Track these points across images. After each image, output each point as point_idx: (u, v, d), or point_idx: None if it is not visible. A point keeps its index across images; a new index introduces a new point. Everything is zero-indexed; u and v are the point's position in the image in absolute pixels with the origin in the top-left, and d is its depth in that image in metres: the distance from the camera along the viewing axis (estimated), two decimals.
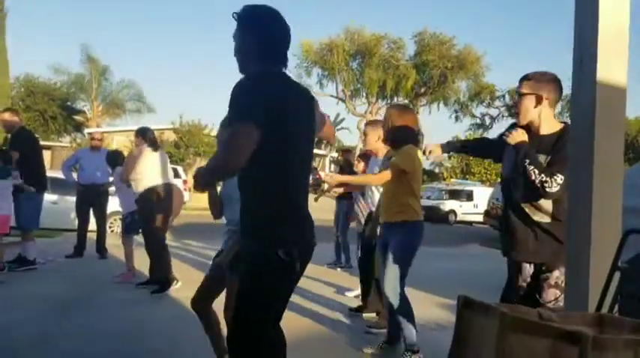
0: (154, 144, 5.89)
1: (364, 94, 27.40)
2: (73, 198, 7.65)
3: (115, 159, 6.37)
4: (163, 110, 70.06)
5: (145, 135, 5.80)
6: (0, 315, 4.35)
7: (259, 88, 1.93)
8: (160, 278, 5.46)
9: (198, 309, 3.06)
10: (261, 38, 2.04)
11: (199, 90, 64.59)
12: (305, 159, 2.13)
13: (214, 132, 26.01)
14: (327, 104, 63.61)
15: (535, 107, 2.49)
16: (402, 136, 3.55)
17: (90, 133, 11.20)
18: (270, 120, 1.86)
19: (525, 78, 2.53)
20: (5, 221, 5.80)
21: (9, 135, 6.42)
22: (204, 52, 68.41)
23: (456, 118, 28.27)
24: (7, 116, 6.27)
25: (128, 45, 60.49)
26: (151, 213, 5.53)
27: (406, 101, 27.46)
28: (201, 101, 61.45)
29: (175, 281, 5.49)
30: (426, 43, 25.96)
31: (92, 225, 7.42)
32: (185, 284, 5.53)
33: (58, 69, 35.56)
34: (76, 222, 7.62)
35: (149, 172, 5.64)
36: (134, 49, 61.44)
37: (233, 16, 2.07)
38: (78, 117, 37.46)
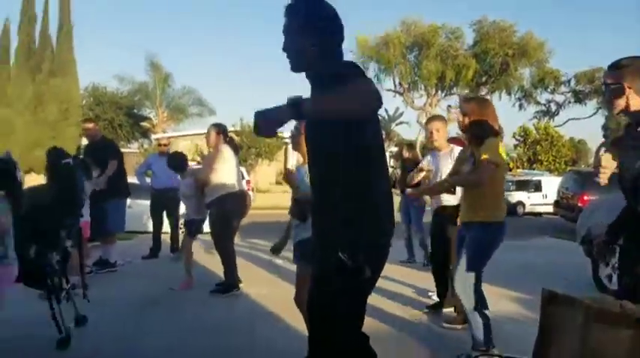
0: (232, 143, 5.82)
1: (422, 87, 27.04)
2: (145, 202, 8.00)
3: (176, 161, 6.02)
4: (223, 113, 71.68)
5: (224, 132, 5.70)
6: (86, 315, 4.63)
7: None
8: (230, 282, 5.52)
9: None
10: (334, 34, 2.01)
11: (257, 92, 65.63)
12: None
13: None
14: (385, 98, 62.97)
15: (621, 97, 2.33)
16: (484, 131, 3.43)
17: (157, 139, 11.61)
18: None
19: (611, 66, 2.37)
20: (86, 227, 6.13)
21: (82, 144, 6.82)
22: (260, 53, 69.38)
23: (520, 106, 27.52)
24: (90, 126, 6.71)
25: (188, 51, 62.32)
26: (225, 217, 5.52)
27: (466, 91, 26.90)
28: (259, 102, 62.41)
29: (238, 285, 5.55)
30: (485, 31, 25.31)
31: (165, 226, 7.74)
32: (253, 282, 5.74)
33: (123, 78, 37.00)
34: (150, 224, 7.97)
35: (227, 176, 5.50)
36: (193, 55, 63.21)
37: (287, 12, 2.02)
38: (144, 124, 38.86)
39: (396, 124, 52.72)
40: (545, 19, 51.33)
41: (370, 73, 26.58)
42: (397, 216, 7.77)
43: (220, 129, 5.65)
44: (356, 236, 1.87)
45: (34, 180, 27.78)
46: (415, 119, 28.64)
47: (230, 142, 5.73)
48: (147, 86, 37.93)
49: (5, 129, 26.89)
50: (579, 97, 26.36)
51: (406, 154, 7.75)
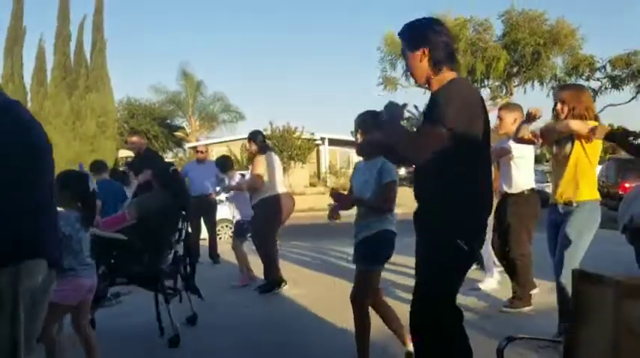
0: (269, 148, 6.10)
1: None
2: None
3: (225, 163, 6.62)
4: (253, 118, 72.42)
5: (260, 140, 5.95)
6: (133, 319, 4.79)
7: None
8: (270, 280, 5.73)
9: (372, 305, 3.39)
10: (445, 46, 2.46)
11: (285, 96, 66.03)
12: None
13: (305, 135, 26.55)
14: (415, 95, 62.69)
15: None
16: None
17: (194, 147, 11.78)
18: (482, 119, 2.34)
19: None
20: None
21: (119, 156, 7.02)
22: (287, 57, 69.75)
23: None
24: (135, 139, 6.87)
25: (217, 56, 63.19)
26: (269, 219, 5.76)
27: (497, 83, 26.52)
28: (287, 106, 62.78)
29: (284, 283, 5.75)
30: (514, 21, 24.91)
31: (202, 233, 7.90)
32: (293, 283, 5.88)
33: (157, 88, 37.73)
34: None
35: (269, 179, 5.76)
36: (222, 59, 64.05)
37: (404, 35, 2.49)
38: (178, 134, 39.54)
39: None
40: (575, 5, 50.21)
41: (399, 71, 26.50)
42: None
43: (254, 136, 5.93)
44: (469, 224, 2.33)
45: None
46: None
47: (265, 145, 5.98)
48: (179, 95, 38.59)
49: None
50: (616, 83, 25.65)
51: None
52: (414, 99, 68.53)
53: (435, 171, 2.32)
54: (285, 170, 28.68)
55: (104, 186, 5.71)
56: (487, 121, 2.42)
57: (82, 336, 3.21)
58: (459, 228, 2.30)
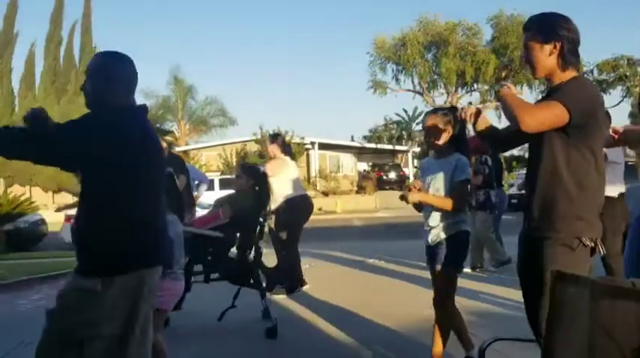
0: (290, 152, 6.13)
1: (442, 85, 26.88)
2: None
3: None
4: (244, 122, 72.29)
5: (281, 142, 6.01)
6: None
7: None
8: (284, 279, 5.85)
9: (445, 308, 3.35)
10: (575, 44, 2.50)
11: (276, 99, 66.05)
12: None
13: (295, 139, 26.54)
14: (404, 99, 62.76)
15: None
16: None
17: (184, 151, 11.69)
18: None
19: None
20: None
21: None
22: (279, 61, 69.77)
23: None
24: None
25: (210, 61, 63.11)
26: (289, 223, 5.78)
27: (486, 87, 26.68)
28: (278, 110, 62.78)
29: (305, 285, 5.96)
30: (503, 25, 25.08)
31: None
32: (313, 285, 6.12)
33: (147, 93, 37.60)
34: None
35: (288, 182, 5.79)
36: (215, 64, 63.98)
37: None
38: (167, 138, 39.36)
39: (417, 124, 52.55)
40: (562, 10, 50.51)
41: (389, 74, 26.58)
42: None
43: (274, 138, 5.98)
44: (588, 221, 2.28)
45: (63, 198, 28.36)
46: None
47: (287, 148, 6.06)
48: (169, 100, 38.47)
49: None
50: (603, 87, 25.89)
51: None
52: (403, 103, 68.81)
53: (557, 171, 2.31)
54: None
55: None
56: (604, 127, 2.46)
57: (155, 340, 3.16)
58: (585, 226, 2.27)
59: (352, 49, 63.79)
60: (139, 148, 2.26)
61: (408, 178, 33.25)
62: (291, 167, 5.94)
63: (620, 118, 41.50)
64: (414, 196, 3.27)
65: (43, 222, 13.85)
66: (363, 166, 36.50)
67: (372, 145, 35.49)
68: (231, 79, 66.67)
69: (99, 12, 39.70)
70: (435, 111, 3.49)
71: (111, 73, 2.34)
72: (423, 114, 3.47)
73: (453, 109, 3.42)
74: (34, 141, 2.16)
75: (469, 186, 3.31)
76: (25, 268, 8.66)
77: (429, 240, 3.35)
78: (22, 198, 13.68)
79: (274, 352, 4.18)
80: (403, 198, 3.26)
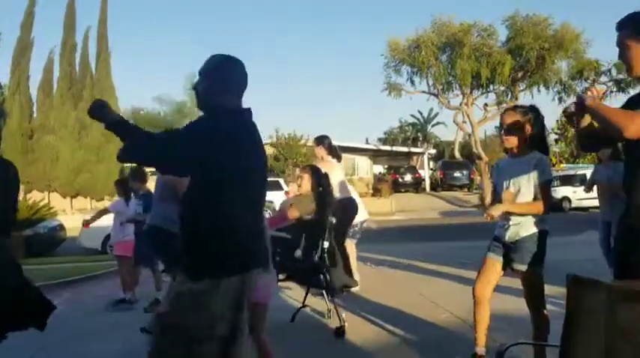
0: (337, 155, 6.12)
1: (457, 87, 26.72)
2: None
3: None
4: (260, 125, 72.35)
5: (327, 145, 6.03)
6: None
7: None
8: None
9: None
10: None
11: (291, 105, 66.22)
12: None
13: (310, 143, 26.56)
14: (419, 101, 62.22)
15: None
16: None
17: None
18: None
19: None
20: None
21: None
22: (294, 65, 69.95)
23: (560, 100, 26.74)
24: None
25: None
26: (337, 225, 5.83)
27: (502, 88, 26.47)
28: (293, 115, 62.89)
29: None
30: (518, 26, 24.83)
31: None
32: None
33: (162, 99, 37.93)
34: None
35: (337, 186, 5.78)
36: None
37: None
38: None
39: (432, 126, 52.39)
40: (579, 10, 50.15)
41: (403, 76, 26.48)
42: None
43: (320, 141, 5.97)
44: None
45: (80, 203, 28.67)
46: (452, 119, 28.28)
47: (334, 151, 6.07)
48: (185, 105, 38.74)
49: (51, 155, 27.89)
50: (621, 86, 25.51)
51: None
52: (418, 105, 68.47)
53: None
54: (289, 177, 28.75)
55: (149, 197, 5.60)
56: None
57: (260, 340, 3.14)
58: None
59: (367, 52, 63.72)
60: (249, 152, 2.29)
61: (424, 180, 33.11)
62: (338, 170, 5.98)
63: None
64: (500, 208, 3.20)
65: (61, 227, 14.02)
66: (379, 169, 36.44)
67: (388, 148, 35.46)
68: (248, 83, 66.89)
69: (113, 18, 40.17)
70: (514, 108, 3.39)
71: (225, 76, 2.36)
72: (502, 112, 3.41)
73: (532, 108, 3.35)
74: (157, 144, 2.18)
75: (551, 188, 3.25)
76: (44, 273, 8.76)
77: (506, 237, 3.28)
78: (41, 203, 13.86)
79: (347, 352, 4.30)
80: (489, 216, 3.17)
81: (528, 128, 3.24)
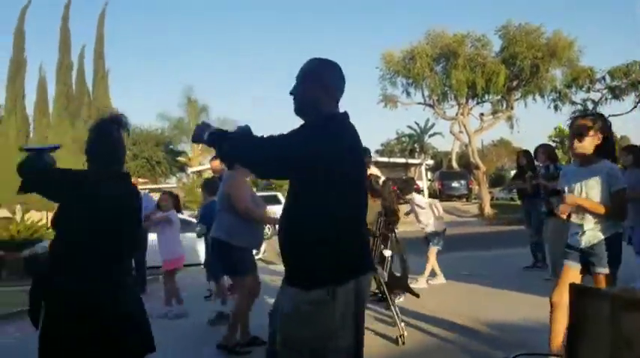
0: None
1: (452, 97, 26.83)
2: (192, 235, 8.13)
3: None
4: None
5: (369, 157, 6.46)
6: None
7: None
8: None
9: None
10: None
11: (286, 118, 66.40)
12: None
13: None
14: (415, 112, 62.51)
15: None
16: None
17: (197, 171, 11.68)
18: None
19: None
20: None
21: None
22: (289, 79, 70.16)
23: (555, 108, 26.84)
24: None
25: (222, 82, 63.69)
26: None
27: (498, 97, 26.58)
28: (288, 129, 62.97)
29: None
30: (512, 35, 25.00)
31: None
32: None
33: (162, 114, 37.97)
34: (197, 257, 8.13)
35: None
36: (227, 85, 64.53)
37: None
38: (180, 159, 39.67)
39: (429, 136, 52.50)
40: (571, 18, 50.56)
41: (399, 88, 26.58)
42: None
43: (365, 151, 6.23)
44: None
45: None
46: (448, 129, 28.36)
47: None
48: (183, 121, 38.81)
49: None
50: (616, 93, 25.65)
51: (523, 161, 8.22)
52: (414, 116, 68.72)
53: None
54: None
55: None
56: None
57: None
58: None
59: (362, 64, 64.03)
60: (352, 156, 2.26)
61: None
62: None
63: (635, 125, 41.01)
64: (572, 198, 3.24)
65: None
66: None
67: (385, 159, 35.42)
68: (242, 98, 67.21)
69: (109, 36, 40.37)
70: (584, 115, 3.42)
71: (326, 81, 2.33)
72: (571, 119, 3.45)
73: (600, 115, 3.36)
74: (267, 146, 2.17)
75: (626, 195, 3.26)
76: None
77: (583, 243, 3.28)
78: (40, 223, 13.80)
79: None
80: (562, 211, 3.27)
81: (598, 135, 3.25)
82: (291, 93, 2.35)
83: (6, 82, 29.32)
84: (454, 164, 32.10)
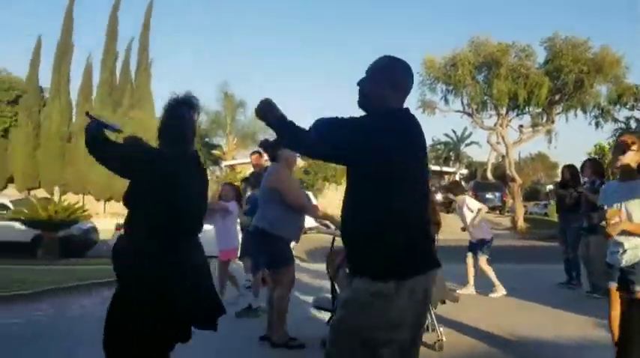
0: None
1: (492, 107, 26.44)
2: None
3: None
4: None
5: None
6: None
7: None
8: None
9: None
10: None
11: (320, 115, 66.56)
12: None
13: None
14: (452, 120, 61.81)
15: None
16: None
17: (231, 166, 11.70)
18: None
19: None
20: None
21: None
22: (329, 78, 70.25)
23: (597, 124, 26.21)
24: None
25: (264, 77, 64.28)
26: None
27: (538, 110, 26.08)
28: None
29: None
30: (557, 48, 24.49)
31: None
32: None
33: (204, 108, 38.40)
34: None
35: None
36: (268, 80, 65.09)
37: None
38: (215, 152, 40.13)
39: (465, 145, 51.88)
40: (620, 34, 49.26)
41: (438, 95, 26.32)
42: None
43: None
44: None
45: (113, 207, 29.22)
46: (485, 139, 27.95)
47: None
48: (220, 115, 39.24)
49: (88, 160, 28.48)
50: None
51: (567, 175, 7.98)
52: (452, 123, 67.95)
53: None
54: (319, 191, 28.79)
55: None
56: None
57: None
58: None
59: None
60: (415, 150, 2.26)
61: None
62: None
63: None
64: (619, 226, 3.15)
65: (94, 230, 14.28)
66: None
67: None
68: (283, 93, 67.66)
69: (154, 27, 41.10)
70: (631, 132, 3.36)
71: (396, 80, 2.34)
72: (618, 134, 3.39)
73: None
74: (333, 135, 2.19)
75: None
76: (76, 274, 8.92)
77: (623, 262, 3.23)
78: (76, 205, 14.14)
79: None
80: (607, 234, 3.19)
81: None
82: (358, 84, 2.35)
83: (52, 65, 30.09)
84: (489, 175, 31.60)
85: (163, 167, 2.72)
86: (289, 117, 2.28)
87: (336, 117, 2.22)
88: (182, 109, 2.89)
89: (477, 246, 7.40)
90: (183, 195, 2.73)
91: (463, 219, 7.50)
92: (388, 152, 2.12)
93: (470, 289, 7.34)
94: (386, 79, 2.31)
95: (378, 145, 2.12)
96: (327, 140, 2.17)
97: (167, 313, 2.65)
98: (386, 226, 2.15)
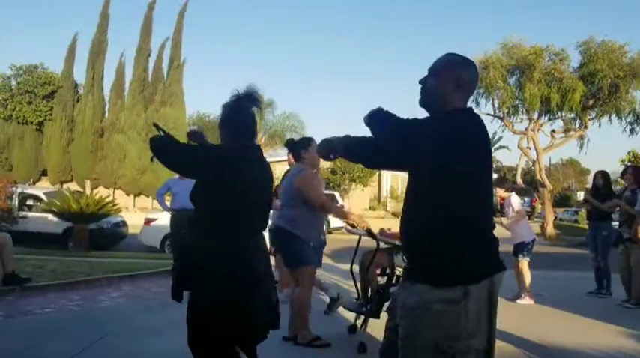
0: None
1: (523, 111, 26.02)
2: None
3: None
4: (319, 138, 72.87)
5: None
6: None
7: None
8: None
9: None
10: None
11: (350, 120, 66.43)
12: None
13: None
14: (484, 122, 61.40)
15: None
16: None
17: None
18: None
19: None
20: None
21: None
22: (357, 79, 70.14)
23: (631, 131, 25.57)
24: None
25: (293, 78, 64.54)
26: None
27: (571, 115, 25.60)
28: (353, 130, 62.99)
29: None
30: (592, 52, 23.96)
31: None
32: None
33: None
34: None
35: None
36: (297, 81, 65.31)
37: None
38: None
39: (495, 149, 51.21)
40: None
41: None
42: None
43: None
44: None
45: (143, 202, 29.61)
46: (516, 144, 27.55)
47: None
48: None
49: (119, 154, 29.03)
50: None
51: (600, 182, 7.76)
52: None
53: None
54: (345, 192, 28.71)
55: None
56: None
57: None
58: None
59: None
60: (484, 152, 2.20)
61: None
62: None
63: None
64: None
65: (124, 223, 14.53)
66: None
67: None
68: (310, 94, 67.90)
69: (187, 26, 41.62)
70: None
71: (462, 79, 2.25)
72: None
73: None
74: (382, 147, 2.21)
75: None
76: (105, 266, 9.10)
77: None
78: (107, 199, 14.41)
79: None
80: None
81: None
82: (420, 82, 2.26)
83: (87, 62, 30.67)
84: (518, 179, 31.16)
85: (232, 162, 2.73)
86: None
87: (395, 117, 2.12)
88: (245, 104, 2.91)
89: (517, 248, 7.20)
90: (253, 188, 2.75)
91: (507, 216, 7.30)
92: (455, 156, 2.03)
93: (525, 299, 7.01)
94: (452, 77, 2.21)
95: (446, 150, 2.03)
96: (390, 149, 2.14)
97: (244, 314, 2.64)
98: (453, 231, 2.07)
